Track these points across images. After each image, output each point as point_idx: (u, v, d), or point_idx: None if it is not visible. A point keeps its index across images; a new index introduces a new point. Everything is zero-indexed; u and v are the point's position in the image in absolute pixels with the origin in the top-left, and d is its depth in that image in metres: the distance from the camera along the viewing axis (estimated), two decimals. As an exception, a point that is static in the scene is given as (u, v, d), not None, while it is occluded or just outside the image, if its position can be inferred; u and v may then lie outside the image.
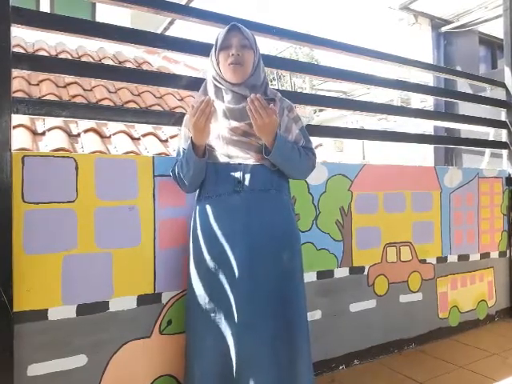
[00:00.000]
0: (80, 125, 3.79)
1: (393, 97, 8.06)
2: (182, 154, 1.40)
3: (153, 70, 4.70)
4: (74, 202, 1.36)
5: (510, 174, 2.74)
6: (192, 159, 1.32)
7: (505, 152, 2.84)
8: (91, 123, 3.75)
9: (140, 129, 3.99)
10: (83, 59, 4.94)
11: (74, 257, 1.35)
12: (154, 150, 3.63)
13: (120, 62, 5.34)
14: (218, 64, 1.37)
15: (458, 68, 6.76)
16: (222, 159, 1.36)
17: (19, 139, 3.16)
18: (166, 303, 1.51)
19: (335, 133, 2.45)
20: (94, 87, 4.44)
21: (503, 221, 2.71)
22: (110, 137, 3.78)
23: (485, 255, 2.58)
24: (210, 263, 1.31)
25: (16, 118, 1.70)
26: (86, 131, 3.68)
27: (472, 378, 1.84)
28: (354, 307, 2.00)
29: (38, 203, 1.31)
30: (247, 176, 1.33)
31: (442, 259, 2.36)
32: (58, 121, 3.55)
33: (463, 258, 2.47)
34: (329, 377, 1.85)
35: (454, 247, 2.42)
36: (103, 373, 1.39)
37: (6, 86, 1.29)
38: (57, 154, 1.44)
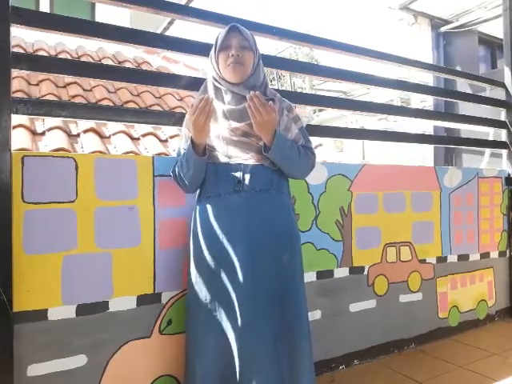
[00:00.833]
0: (80, 125, 3.78)
1: (393, 97, 8.06)
2: (182, 153, 1.40)
3: (152, 70, 4.69)
4: (73, 202, 1.36)
5: (509, 174, 2.74)
6: (192, 158, 1.32)
7: (504, 152, 2.84)
8: (91, 123, 3.75)
9: (140, 129, 3.99)
10: (83, 59, 4.94)
11: (74, 257, 1.35)
12: (154, 150, 3.63)
13: (119, 62, 5.34)
14: (217, 65, 1.37)
15: (458, 68, 6.76)
16: (222, 159, 1.36)
17: (19, 139, 3.16)
18: (166, 303, 1.51)
19: (335, 133, 2.45)
20: (93, 87, 4.44)
21: (503, 221, 2.71)
22: (109, 137, 3.78)
23: (485, 255, 2.58)
24: (211, 263, 1.31)
25: (16, 118, 1.70)
26: (85, 131, 3.68)
27: (472, 378, 1.84)
28: (354, 307, 2.00)
29: (37, 203, 1.31)
30: (247, 176, 1.33)
31: (441, 259, 2.36)
32: (57, 121, 3.55)
33: (463, 257, 2.47)
34: (329, 377, 1.85)
35: (453, 247, 2.42)
36: (103, 373, 1.39)
37: (6, 86, 1.29)
38: (56, 154, 1.44)
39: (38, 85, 4.22)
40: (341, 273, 1.97)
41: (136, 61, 5.62)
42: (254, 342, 1.24)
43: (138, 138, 3.89)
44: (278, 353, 1.25)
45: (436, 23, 7.27)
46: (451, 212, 2.41)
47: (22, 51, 4.46)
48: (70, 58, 4.77)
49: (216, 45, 1.38)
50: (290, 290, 1.32)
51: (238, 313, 1.25)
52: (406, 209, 2.21)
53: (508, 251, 2.72)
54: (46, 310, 1.31)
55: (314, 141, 1.56)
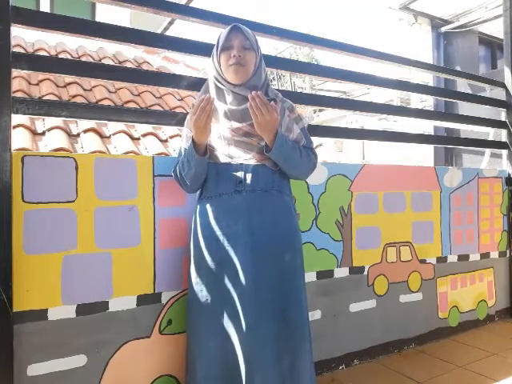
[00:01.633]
0: (80, 125, 3.79)
1: (393, 97, 8.07)
2: (183, 153, 1.40)
3: (153, 70, 4.70)
4: (73, 202, 1.36)
5: (509, 174, 2.74)
6: (193, 158, 1.31)
7: (505, 152, 2.84)
8: (91, 123, 3.75)
9: (140, 129, 3.99)
10: (83, 59, 4.94)
11: (74, 257, 1.35)
12: (154, 149, 3.63)
13: (120, 62, 5.34)
14: (219, 65, 1.37)
15: (458, 68, 6.76)
16: (224, 159, 1.36)
17: (19, 139, 3.16)
18: (166, 303, 1.51)
19: (335, 133, 2.45)
20: (93, 87, 4.44)
21: (503, 221, 2.71)
22: (109, 137, 3.78)
23: (485, 255, 2.58)
24: (212, 263, 1.31)
25: (16, 118, 1.70)
26: (85, 131, 3.69)
27: (472, 378, 1.84)
28: (354, 307, 2.00)
29: (37, 203, 1.31)
30: (249, 176, 1.33)
31: (441, 259, 2.36)
32: (57, 121, 3.55)
33: (463, 257, 2.47)
34: (329, 377, 1.85)
35: (453, 247, 2.42)
36: (103, 373, 1.39)
37: (6, 85, 1.29)
38: (57, 154, 1.44)
39: (38, 84, 4.22)
40: (341, 273, 1.97)
41: (136, 61, 5.63)
42: (256, 343, 1.24)
43: (138, 138, 3.90)
44: (279, 353, 1.25)
45: (436, 23, 7.26)
46: (451, 212, 2.42)
47: (22, 51, 4.46)
48: (70, 57, 4.77)
49: (218, 45, 1.37)
50: (291, 290, 1.32)
51: (240, 314, 1.25)
52: (406, 209, 2.21)
53: (508, 251, 2.72)
54: (46, 309, 1.31)
55: (314, 141, 1.56)
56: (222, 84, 1.38)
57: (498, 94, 2.91)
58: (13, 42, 1.33)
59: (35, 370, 1.29)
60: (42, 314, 1.30)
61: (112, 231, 1.42)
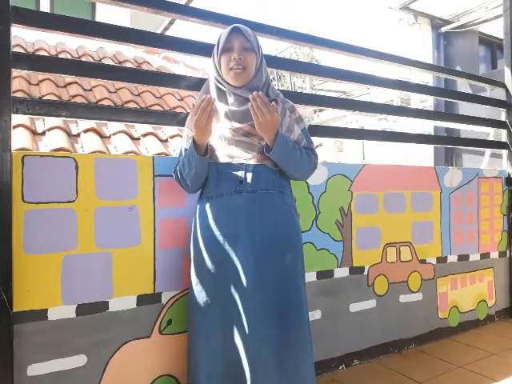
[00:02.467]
0: (80, 125, 3.79)
1: (393, 97, 8.07)
2: (183, 154, 1.40)
3: (153, 70, 4.70)
4: (73, 201, 1.36)
5: (509, 174, 2.74)
6: (194, 158, 1.31)
7: (505, 152, 2.84)
8: (91, 123, 3.75)
9: (140, 129, 3.99)
10: (83, 59, 4.94)
11: (74, 257, 1.35)
12: (154, 149, 3.63)
13: (120, 62, 5.34)
14: (219, 66, 1.36)
15: (458, 68, 6.76)
16: (224, 159, 1.36)
17: (19, 139, 3.16)
18: (166, 303, 1.51)
19: (335, 133, 2.45)
20: (93, 87, 4.44)
21: (503, 221, 2.71)
22: (109, 137, 3.78)
23: (485, 255, 2.58)
24: (212, 264, 1.31)
25: (16, 118, 1.70)
26: (85, 131, 3.68)
27: (472, 378, 1.84)
28: (354, 307, 2.00)
29: (37, 203, 1.31)
30: (249, 176, 1.33)
31: (441, 259, 2.36)
32: (57, 121, 3.55)
33: (463, 258, 2.47)
34: (329, 377, 1.85)
35: (453, 247, 2.42)
36: (103, 373, 1.39)
37: (6, 85, 1.29)
38: (57, 154, 1.43)
39: (38, 84, 4.22)
40: (341, 273, 1.97)
41: (136, 61, 5.62)
42: (257, 344, 1.24)
43: (139, 138, 3.90)
44: (281, 354, 1.25)
45: (436, 23, 7.27)
46: (451, 212, 2.42)
47: (22, 51, 4.46)
48: (70, 57, 4.77)
49: (218, 46, 1.37)
50: (292, 291, 1.32)
51: (241, 314, 1.25)
52: (406, 209, 2.22)
53: (508, 251, 2.72)
54: (46, 309, 1.31)
55: (314, 141, 1.56)
56: (223, 85, 1.38)
57: (498, 94, 2.91)
58: (13, 42, 1.33)
59: (35, 370, 1.29)
60: (42, 314, 1.30)
61: (112, 231, 1.42)
